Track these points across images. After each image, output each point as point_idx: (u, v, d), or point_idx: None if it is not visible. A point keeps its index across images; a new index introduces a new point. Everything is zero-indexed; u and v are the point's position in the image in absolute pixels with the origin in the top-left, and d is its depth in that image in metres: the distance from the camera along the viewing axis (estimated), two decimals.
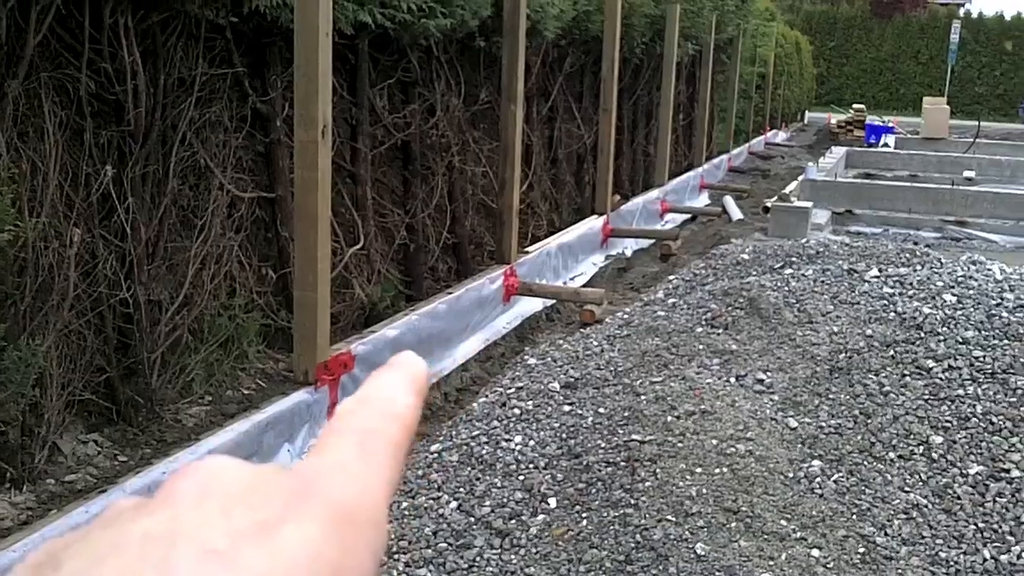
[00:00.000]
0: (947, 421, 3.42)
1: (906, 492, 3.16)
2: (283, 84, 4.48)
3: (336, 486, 0.32)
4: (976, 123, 19.17)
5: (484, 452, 3.50)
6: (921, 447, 3.33)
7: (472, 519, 3.17)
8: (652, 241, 8.76)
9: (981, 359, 3.67)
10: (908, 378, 3.63)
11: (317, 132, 3.74)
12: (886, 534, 2.99)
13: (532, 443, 3.51)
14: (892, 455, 3.30)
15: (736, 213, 10.20)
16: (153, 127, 3.74)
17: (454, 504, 3.25)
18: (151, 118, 3.73)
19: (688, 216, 10.57)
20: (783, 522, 2.96)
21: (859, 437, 3.37)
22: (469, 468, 3.43)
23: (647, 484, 3.10)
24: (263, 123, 4.51)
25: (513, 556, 2.98)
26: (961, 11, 39.83)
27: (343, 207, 5.04)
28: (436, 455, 3.55)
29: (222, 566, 0.28)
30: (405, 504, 3.29)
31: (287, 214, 4.48)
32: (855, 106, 21.73)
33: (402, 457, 0.35)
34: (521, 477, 3.33)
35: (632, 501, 3.05)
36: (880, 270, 4.53)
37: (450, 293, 5.29)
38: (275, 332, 4.55)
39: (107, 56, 3.55)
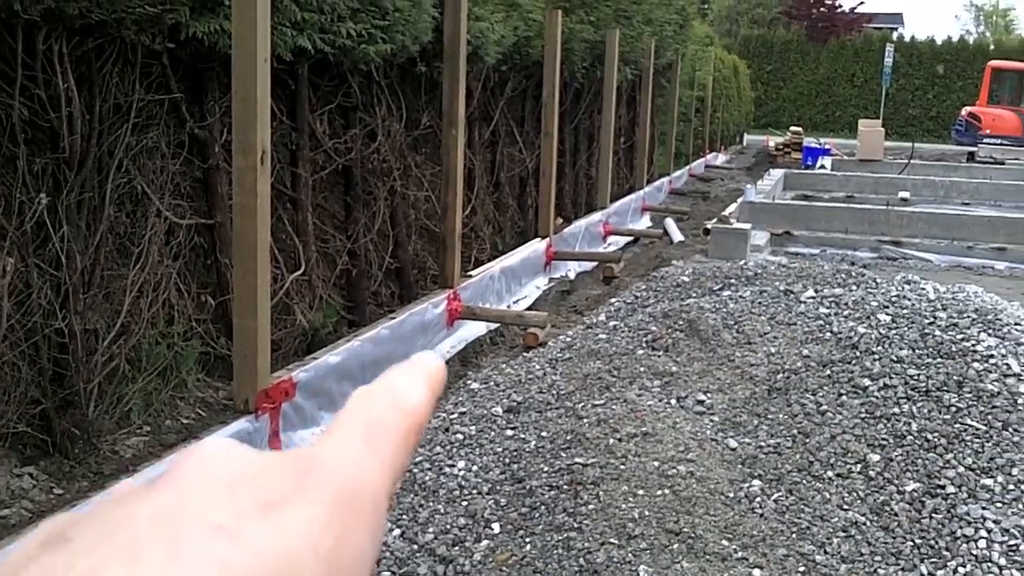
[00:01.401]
0: (883, 439, 3.47)
1: (844, 510, 3.20)
2: (221, 109, 4.46)
3: (339, 470, 0.32)
4: (910, 145, 19.57)
5: (427, 478, 3.49)
6: (859, 465, 3.37)
7: (415, 546, 3.15)
8: (595, 263, 8.81)
9: (915, 377, 3.74)
10: (845, 397, 3.68)
11: (256, 158, 3.72)
12: (826, 552, 3.03)
13: (475, 468, 3.51)
14: (830, 473, 3.34)
15: (677, 235, 10.30)
16: (89, 154, 3.70)
17: (397, 531, 3.23)
18: (87, 145, 3.69)
19: (630, 238, 10.66)
20: (724, 542, 2.99)
21: (798, 456, 3.42)
22: (412, 495, 3.42)
23: (590, 507, 3.11)
24: (201, 149, 4.48)
25: None
26: (894, 35, 40.74)
27: (284, 233, 5.01)
28: None
29: (229, 541, 0.28)
30: None
31: (226, 241, 4.45)
32: (792, 128, 22.08)
33: (408, 448, 0.35)
34: (464, 503, 3.32)
35: (575, 524, 3.05)
36: (816, 291, 4.60)
37: (393, 318, 5.27)
38: (215, 360, 4.50)
39: (41, 83, 3.51)
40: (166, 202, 4.21)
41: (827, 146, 18.69)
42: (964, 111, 26.53)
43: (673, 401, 3.79)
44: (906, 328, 4.07)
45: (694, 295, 5.02)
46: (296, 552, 0.29)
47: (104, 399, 3.82)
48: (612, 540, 2.96)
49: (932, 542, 3.10)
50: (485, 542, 3.11)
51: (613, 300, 5.43)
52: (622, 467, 3.28)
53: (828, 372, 3.84)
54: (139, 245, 4.06)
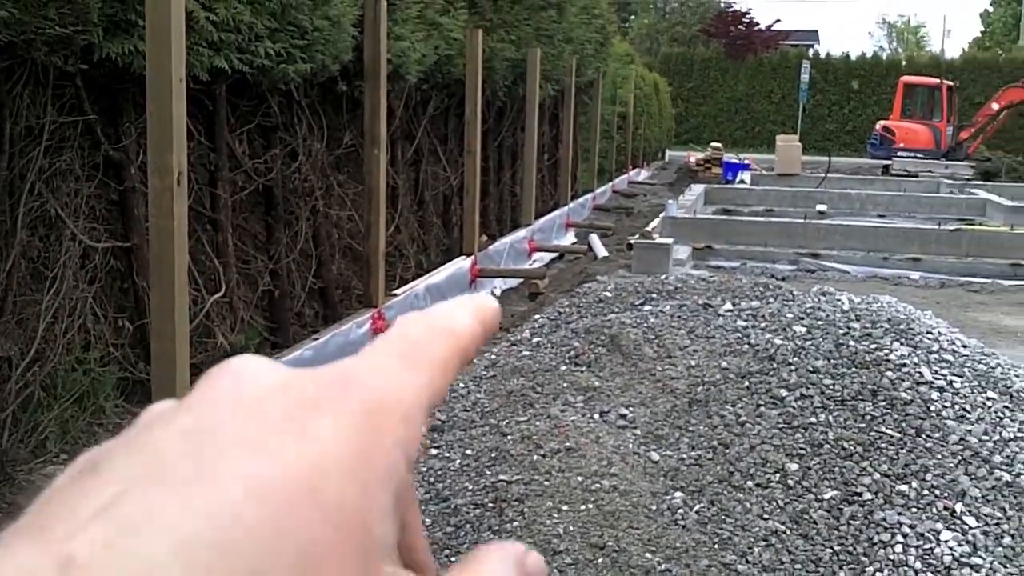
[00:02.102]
0: (801, 448, 3.54)
1: (765, 519, 3.25)
2: (137, 131, 4.40)
3: (371, 382, 0.32)
4: (827, 158, 20.00)
5: None
6: (778, 475, 3.43)
7: None
8: (520, 280, 8.84)
9: (831, 387, 3.82)
10: (763, 408, 3.75)
11: (172, 179, 3.68)
12: (747, 562, 3.08)
13: None
14: (750, 483, 3.39)
15: (601, 250, 10.39)
16: None
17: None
18: None
19: (555, 255, 10.72)
20: (648, 555, 3.02)
21: (718, 467, 3.47)
22: None
23: (515, 524, 3.12)
24: (117, 171, 4.41)
25: None
26: (810, 51, 41.62)
27: (203, 255, 4.95)
28: None
29: (254, 455, 0.28)
30: None
31: (143, 263, 4.38)
32: (713, 144, 22.43)
33: (449, 370, 0.35)
34: None
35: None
36: (734, 304, 4.67)
37: (316, 339, 5.23)
38: (134, 385, 4.43)
39: None
40: (81, 225, 4.14)
41: (746, 161, 19.03)
42: (879, 125, 27.21)
43: (596, 416, 3.82)
44: (821, 339, 4.16)
45: (616, 310, 5.06)
46: (321, 463, 0.29)
47: (19, 428, 3.73)
48: None
49: (850, 548, 3.17)
50: None
51: (537, 316, 5.46)
52: (546, 483, 3.29)
53: (746, 384, 3.90)
54: (53, 269, 3.98)
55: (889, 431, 3.59)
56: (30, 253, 3.91)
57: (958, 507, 3.29)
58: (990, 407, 3.75)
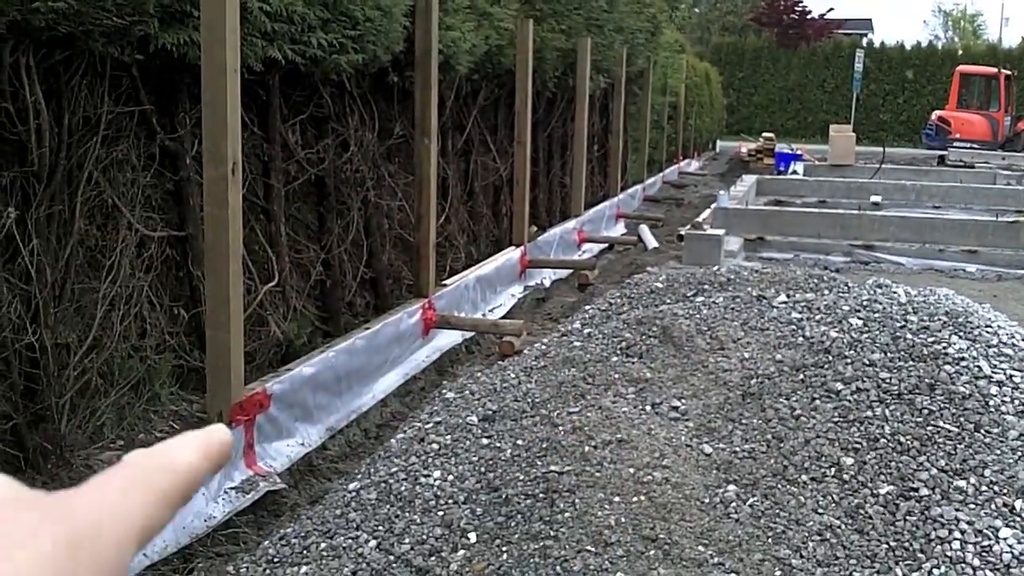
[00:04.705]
0: (857, 443, 3.49)
1: (819, 514, 3.21)
2: (192, 121, 4.43)
3: (86, 513, 0.34)
4: (881, 149, 19.73)
5: (403, 489, 3.48)
6: (832, 469, 3.39)
7: (392, 557, 3.14)
8: (570, 271, 8.82)
9: (888, 381, 3.76)
10: (818, 401, 3.70)
11: (227, 169, 3.70)
12: (801, 556, 3.04)
13: (451, 478, 3.50)
14: (805, 478, 3.36)
15: (651, 242, 10.33)
16: (58, 167, 3.67)
17: (373, 543, 3.22)
18: (55, 158, 3.66)
19: (605, 245, 10.69)
20: (700, 548, 2.99)
21: (772, 461, 3.43)
22: (388, 505, 3.41)
23: (566, 515, 3.11)
24: (172, 161, 4.45)
25: None
26: (864, 41, 41.07)
27: (257, 244, 4.99)
28: (354, 493, 3.52)
29: None
30: (323, 545, 3.25)
31: (198, 252, 4.42)
32: (764, 134, 22.22)
33: (167, 506, 0.37)
34: (440, 512, 3.31)
35: (552, 533, 3.05)
36: (788, 296, 4.62)
37: (368, 328, 5.25)
38: (188, 373, 4.47)
39: (8, 95, 3.48)
40: (137, 214, 4.18)
41: (799, 151, 18.82)
42: (934, 115, 26.82)
43: (648, 407, 3.80)
44: (878, 332, 4.10)
45: (668, 301, 5.03)
46: None
47: (76, 414, 3.79)
48: (588, 548, 2.96)
49: (906, 544, 3.12)
50: (462, 552, 3.10)
51: (588, 307, 5.44)
52: (597, 474, 3.28)
53: (801, 376, 3.85)
54: (110, 258, 4.03)
55: (947, 426, 3.53)
56: (87, 242, 3.96)
57: (1018, 504, 3.22)
58: None
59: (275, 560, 3.25)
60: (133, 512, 0.36)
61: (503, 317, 7.01)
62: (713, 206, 10.67)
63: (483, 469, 3.50)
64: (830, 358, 3.94)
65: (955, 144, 23.98)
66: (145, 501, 0.37)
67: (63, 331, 3.74)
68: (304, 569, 3.16)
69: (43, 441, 3.61)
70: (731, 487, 3.31)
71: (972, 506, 3.22)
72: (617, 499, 3.15)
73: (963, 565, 3.02)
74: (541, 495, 3.23)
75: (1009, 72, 26.88)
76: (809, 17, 39.39)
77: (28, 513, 0.33)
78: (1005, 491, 3.27)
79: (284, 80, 5.11)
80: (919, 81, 37.07)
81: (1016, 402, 3.65)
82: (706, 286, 5.21)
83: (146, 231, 4.25)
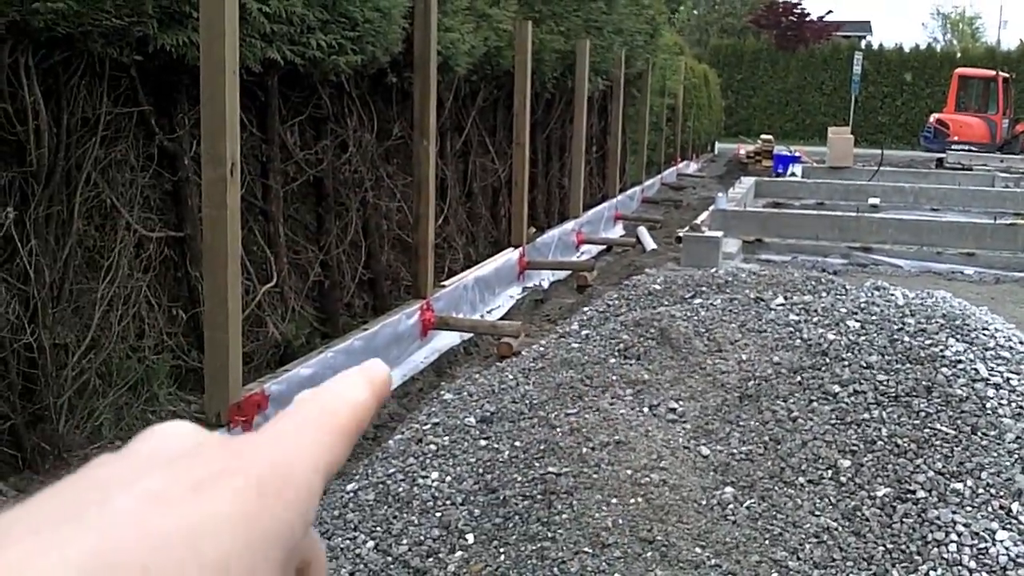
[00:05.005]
0: (854, 445, 3.50)
1: (816, 516, 3.22)
2: (191, 122, 4.44)
3: (273, 451, 0.35)
4: (880, 151, 19.74)
5: (400, 490, 3.48)
6: (830, 471, 3.39)
7: (389, 558, 3.14)
8: (568, 272, 8.82)
9: (885, 383, 3.76)
10: (815, 403, 3.70)
11: (225, 170, 3.71)
12: (798, 558, 3.04)
13: (449, 479, 3.50)
14: (802, 480, 3.36)
15: (650, 243, 10.34)
16: (56, 167, 3.68)
17: (371, 544, 3.22)
18: (54, 158, 3.67)
19: (603, 247, 10.69)
20: (698, 550, 3.00)
21: (769, 463, 3.43)
22: (385, 506, 3.41)
23: (563, 516, 3.11)
24: (171, 161, 4.46)
25: None
26: (863, 43, 41.12)
27: (255, 244, 4.99)
28: (352, 494, 3.52)
29: (154, 506, 0.32)
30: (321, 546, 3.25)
31: (197, 253, 4.43)
32: (763, 136, 22.22)
33: (346, 441, 0.38)
34: (438, 514, 3.31)
35: (549, 534, 3.06)
36: (786, 298, 4.63)
37: (366, 329, 5.26)
38: (186, 373, 4.48)
39: (7, 96, 3.48)
40: (135, 215, 4.19)
41: (797, 153, 18.83)
42: (932, 118, 26.83)
43: (645, 409, 3.80)
44: (875, 334, 4.10)
45: (666, 303, 5.04)
46: (212, 520, 0.32)
47: (75, 414, 3.79)
48: (586, 549, 2.97)
49: (903, 547, 3.12)
50: (459, 553, 3.11)
51: (586, 309, 5.45)
52: (595, 476, 3.28)
53: (799, 379, 3.86)
54: (108, 258, 4.03)
55: (944, 428, 3.54)
56: (86, 242, 3.96)
57: (1014, 506, 3.23)
58: None
59: None
60: (318, 449, 0.37)
61: (501, 318, 7.01)
62: (711, 208, 10.68)
63: (481, 470, 3.51)
64: (827, 360, 3.95)
65: (953, 146, 24.00)
66: (327, 438, 0.37)
67: (61, 331, 3.74)
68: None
69: (41, 441, 3.61)
70: (728, 489, 3.31)
71: (969, 508, 3.22)
72: (614, 501, 3.16)
73: (959, 567, 3.03)
74: (539, 496, 3.23)
75: (1007, 75, 26.90)
76: (808, 19, 39.41)
77: (220, 455, 0.35)
78: (1002, 494, 3.27)
79: (283, 81, 5.12)
80: (917, 83, 37.10)
81: (1013, 405, 3.65)
82: (704, 288, 5.22)
83: (144, 231, 4.25)
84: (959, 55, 37.75)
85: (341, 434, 0.38)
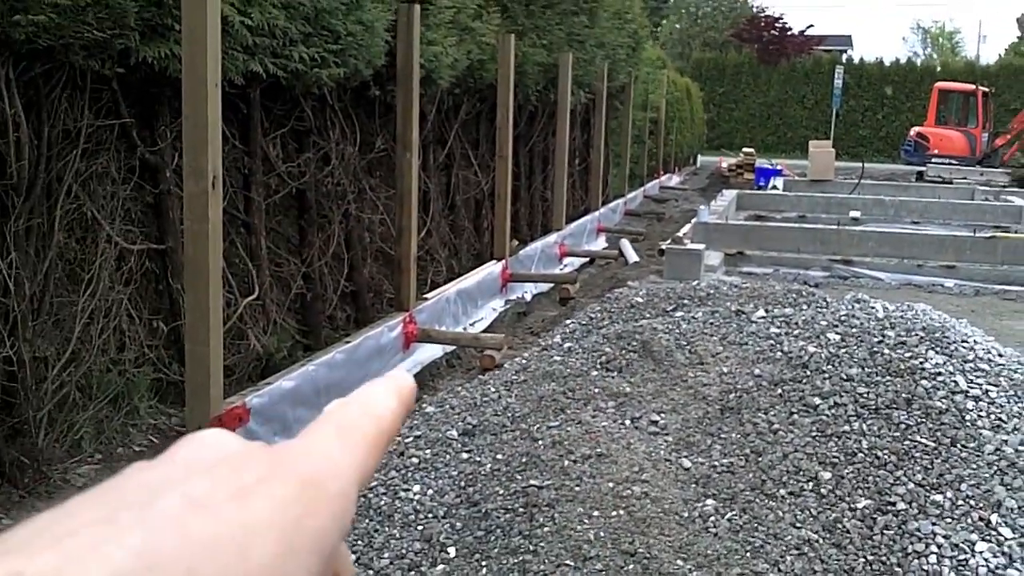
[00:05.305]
0: (835, 457, 3.51)
1: (797, 528, 3.23)
2: (173, 134, 4.43)
3: (309, 460, 0.36)
4: (860, 165, 19.85)
5: (382, 503, 3.48)
6: (810, 483, 3.41)
7: (371, 572, 3.13)
8: (551, 285, 8.83)
9: (865, 395, 3.78)
10: (796, 416, 3.72)
11: (207, 183, 3.70)
12: (779, 570, 3.05)
13: (430, 492, 3.50)
14: (783, 492, 3.37)
15: (632, 256, 10.37)
16: (37, 179, 3.66)
17: (352, 558, 3.21)
18: (35, 170, 3.66)
19: (586, 259, 10.71)
20: (679, 562, 3.00)
21: (751, 475, 3.44)
22: (367, 520, 3.40)
23: (545, 529, 3.11)
24: (152, 174, 4.45)
25: None
26: (844, 57, 41.38)
27: (237, 257, 4.98)
28: None
29: (195, 512, 0.32)
30: None
31: (178, 266, 4.41)
32: (745, 150, 22.35)
33: (378, 451, 0.39)
34: (420, 527, 3.31)
35: (531, 547, 3.05)
36: (767, 311, 4.65)
37: (348, 342, 5.25)
38: (167, 386, 4.46)
39: None
40: (117, 227, 4.18)
41: (779, 167, 18.92)
42: (913, 131, 27.00)
43: (627, 422, 3.81)
44: (855, 347, 4.12)
45: (648, 316, 5.05)
46: (255, 527, 0.32)
47: (54, 427, 3.77)
48: (568, 562, 2.97)
49: (884, 558, 3.14)
50: (441, 567, 3.10)
51: (568, 321, 5.45)
52: (577, 489, 3.28)
53: (779, 391, 3.87)
54: (89, 271, 4.02)
55: (924, 440, 3.56)
56: (67, 255, 3.95)
57: (993, 518, 3.25)
58: None
59: None
60: (350, 459, 0.37)
61: (484, 331, 7.01)
62: (693, 221, 10.72)
63: (463, 483, 3.50)
64: (808, 373, 3.97)
65: (934, 160, 24.15)
66: (358, 448, 0.38)
67: (41, 344, 3.72)
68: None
69: (20, 455, 3.59)
70: (710, 501, 3.32)
71: (949, 520, 3.24)
72: (596, 513, 3.16)
73: None
74: (521, 509, 3.23)
75: (987, 89, 27.10)
76: (789, 33, 39.63)
77: (260, 463, 0.35)
78: (981, 505, 3.29)
79: (265, 94, 5.11)
80: (898, 97, 37.35)
81: (992, 417, 3.68)
82: (686, 301, 5.23)
83: (125, 244, 4.24)
84: (939, 69, 38.05)
85: (373, 445, 0.39)
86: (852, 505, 3.32)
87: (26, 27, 3.31)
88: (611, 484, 3.30)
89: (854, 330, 4.28)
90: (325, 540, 0.35)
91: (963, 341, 4.21)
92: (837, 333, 4.27)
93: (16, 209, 3.58)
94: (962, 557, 3.11)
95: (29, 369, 3.61)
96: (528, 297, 8.55)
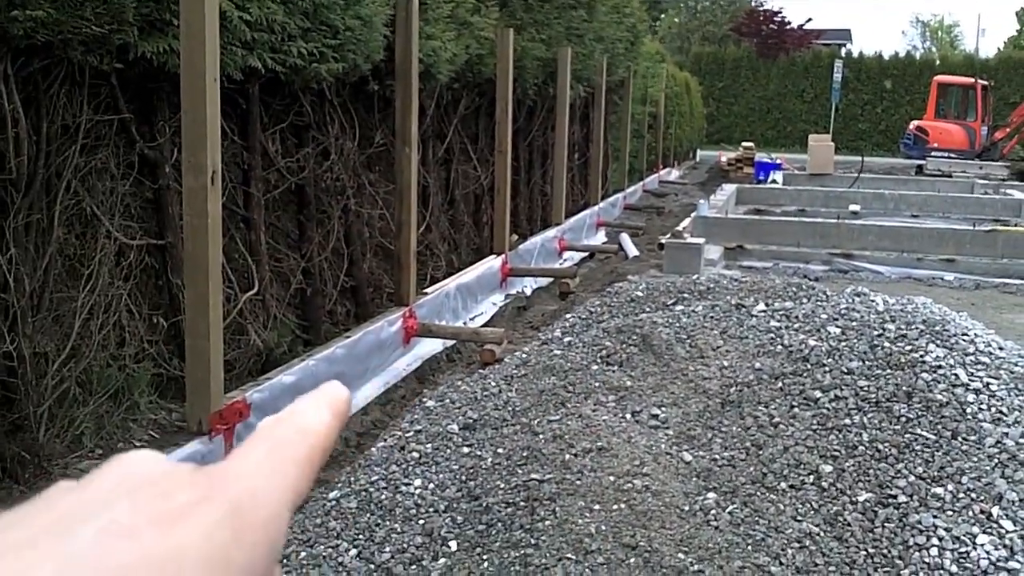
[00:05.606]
0: (835, 450, 3.51)
1: (799, 521, 3.23)
2: (172, 129, 4.42)
3: (239, 484, 0.35)
4: (860, 158, 19.84)
5: (383, 497, 3.48)
6: (811, 476, 3.41)
7: (372, 566, 3.13)
8: (551, 279, 8.83)
9: (866, 389, 3.78)
10: (797, 409, 3.72)
11: (206, 178, 3.70)
12: (781, 563, 3.05)
13: (431, 486, 3.50)
14: (784, 485, 3.37)
15: (632, 250, 10.37)
16: (36, 175, 3.66)
17: (353, 551, 3.21)
18: (34, 166, 3.65)
19: (586, 254, 10.71)
20: (681, 555, 3.00)
21: (751, 468, 3.44)
22: (368, 514, 3.40)
23: (547, 523, 3.12)
24: (152, 169, 4.44)
25: None
26: (843, 51, 41.35)
27: (236, 252, 4.97)
28: (334, 502, 3.51)
29: (118, 537, 0.31)
30: (304, 554, 3.24)
31: (178, 261, 4.41)
32: (744, 144, 22.31)
33: (311, 468, 0.38)
34: (421, 521, 3.31)
35: (532, 541, 3.06)
36: (767, 304, 4.64)
37: (348, 337, 5.25)
38: (168, 381, 4.45)
39: None
40: (116, 223, 4.17)
41: (778, 161, 18.90)
42: (912, 125, 26.97)
43: (628, 416, 3.81)
44: (856, 340, 4.12)
45: (648, 310, 5.05)
46: (178, 554, 0.32)
47: (55, 423, 3.77)
48: (569, 556, 2.97)
49: (885, 551, 3.14)
50: (442, 560, 3.10)
51: (568, 315, 5.45)
52: (578, 482, 3.28)
53: (780, 385, 3.87)
54: (89, 267, 4.01)
55: (924, 433, 3.56)
56: (66, 250, 3.94)
57: (994, 510, 3.25)
58: None
59: None
60: (284, 481, 0.36)
61: (484, 325, 7.01)
62: (693, 215, 10.72)
63: (464, 477, 3.50)
64: (808, 366, 3.97)
65: (933, 153, 24.13)
66: (291, 468, 0.37)
67: (41, 340, 3.72)
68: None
69: (21, 450, 3.59)
70: (711, 495, 3.32)
71: (950, 513, 3.24)
72: (597, 507, 3.16)
73: (941, 572, 3.04)
74: (522, 503, 3.23)
75: (986, 82, 27.08)
76: (788, 27, 39.61)
77: (187, 487, 0.34)
78: (982, 498, 3.29)
79: (264, 89, 5.10)
80: (897, 91, 37.33)
81: (993, 410, 3.68)
82: (686, 295, 5.23)
83: (125, 239, 4.23)
84: (938, 63, 38.00)
85: (306, 464, 0.38)
86: (853, 498, 3.32)
87: (24, 22, 3.30)
88: (612, 478, 3.30)
89: (854, 323, 4.28)
90: (255, 566, 0.34)
91: (964, 334, 4.21)
92: (837, 326, 4.27)
93: (15, 205, 3.57)
94: (963, 550, 3.11)
95: (29, 365, 3.61)
96: (528, 291, 8.55)
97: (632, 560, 2.95)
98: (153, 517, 0.32)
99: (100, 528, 0.31)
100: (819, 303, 4.69)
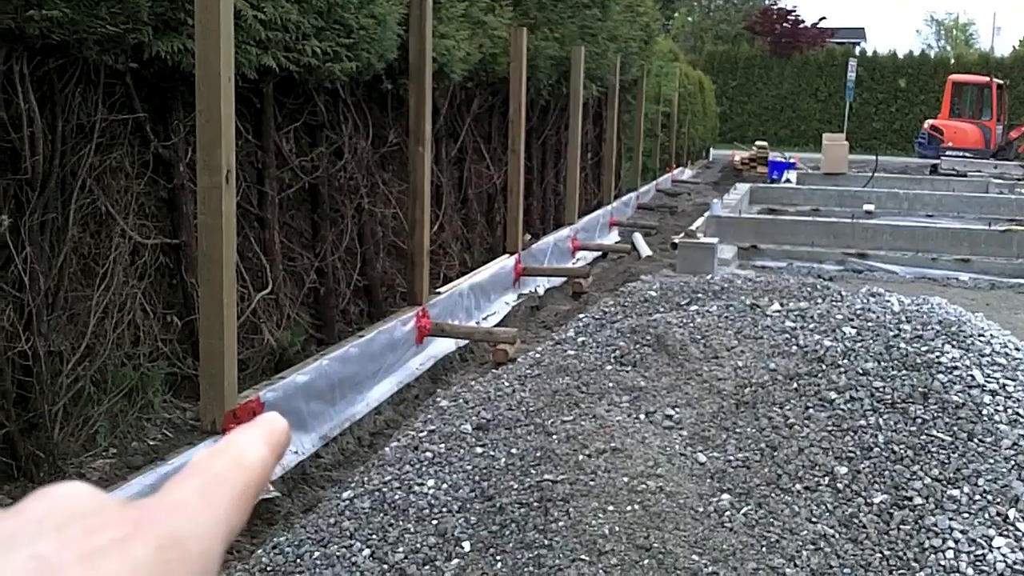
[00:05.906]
0: (851, 451, 3.50)
1: (813, 523, 3.21)
2: (186, 129, 4.43)
3: (170, 520, 0.34)
4: (874, 158, 19.76)
5: (396, 497, 3.47)
6: (826, 478, 3.39)
7: (386, 566, 3.13)
8: (564, 279, 8.82)
9: (881, 390, 3.76)
10: (812, 410, 3.70)
11: (221, 177, 3.70)
12: (795, 565, 3.04)
13: (445, 486, 3.49)
14: (799, 487, 3.36)
15: (645, 250, 10.35)
16: (51, 174, 3.66)
17: (367, 552, 3.21)
18: (49, 165, 3.66)
19: (599, 253, 10.69)
20: (695, 557, 2.99)
21: (766, 470, 3.43)
22: (381, 514, 3.40)
23: (560, 524, 3.11)
24: (166, 168, 4.45)
25: None
26: (857, 49, 41.22)
27: (250, 251, 4.98)
28: (348, 502, 3.51)
29: (42, 572, 0.31)
30: (317, 553, 3.25)
31: (192, 260, 4.41)
32: (758, 143, 22.27)
33: (245, 504, 0.38)
34: (434, 521, 3.31)
35: (546, 542, 3.05)
36: (782, 304, 4.63)
37: (361, 336, 5.25)
38: (182, 380, 4.46)
39: (1, 103, 3.47)
40: (131, 222, 4.18)
41: (792, 160, 18.85)
42: (927, 124, 26.87)
43: (642, 416, 3.80)
44: (871, 340, 4.10)
45: (662, 310, 5.03)
46: None
47: (69, 421, 3.78)
48: (583, 557, 2.96)
49: (900, 553, 3.12)
50: (456, 561, 3.10)
51: (581, 316, 5.44)
52: (592, 483, 3.28)
53: (795, 385, 3.86)
54: (103, 266, 4.02)
55: (940, 435, 3.54)
56: (81, 249, 3.95)
57: (1011, 513, 3.23)
58: None
59: (268, 569, 3.24)
60: (216, 513, 0.36)
61: (497, 325, 7.00)
62: (706, 214, 10.70)
63: (477, 478, 3.50)
64: (824, 367, 3.95)
65: (948, 153, 24.03)
66: (223, 503, 0.37)
67: (56, 339, 3.73)
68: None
69: (36, 449, 3.60)
70: (725, 496, 3.31)
71: (966, 515, 3.22)
72: (611, 508, 3.15)
73: (957, 574, 3.03)
74: (535, 504, 3.22)
75: (1001, 81, 26.98)
76: (802, 26, 39.49)
77: (115, 522, 0.34)
78: (998, 500, 3.27)
79: (278, 88, 5.11)
80: (912, 90, 37.19)
81: (1009, 411, 3.66)
82: (700, 294, 5.22)
83: (139, 239, 4.24)
84: (953, 61, 37.84)
85: (240, 499, 0.37)
86: (868, 500, 3.30)
87: (40, 22, 3.31)
88: (626, 478, 3.29)
89: (870, 324, 4.26)
90: None
91: (979, 335, 4.18)
92: (853, 327, 4.25)
93: (31, 204, 3.58)
94: (979, 552, 3.09)
95: (44, 363, 3.62)
96: (541, 291, 8.54)
97: (646, 561, 2.94)
98: (79, 553, 0.32)
99: (23, 563, 0.31)
100: (834, 303, 4.67)
